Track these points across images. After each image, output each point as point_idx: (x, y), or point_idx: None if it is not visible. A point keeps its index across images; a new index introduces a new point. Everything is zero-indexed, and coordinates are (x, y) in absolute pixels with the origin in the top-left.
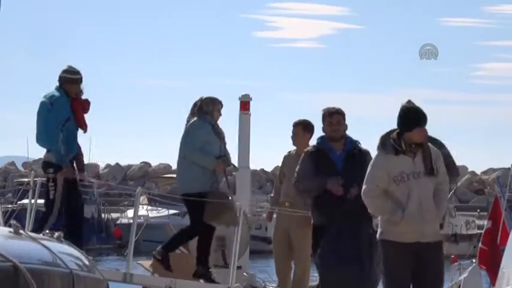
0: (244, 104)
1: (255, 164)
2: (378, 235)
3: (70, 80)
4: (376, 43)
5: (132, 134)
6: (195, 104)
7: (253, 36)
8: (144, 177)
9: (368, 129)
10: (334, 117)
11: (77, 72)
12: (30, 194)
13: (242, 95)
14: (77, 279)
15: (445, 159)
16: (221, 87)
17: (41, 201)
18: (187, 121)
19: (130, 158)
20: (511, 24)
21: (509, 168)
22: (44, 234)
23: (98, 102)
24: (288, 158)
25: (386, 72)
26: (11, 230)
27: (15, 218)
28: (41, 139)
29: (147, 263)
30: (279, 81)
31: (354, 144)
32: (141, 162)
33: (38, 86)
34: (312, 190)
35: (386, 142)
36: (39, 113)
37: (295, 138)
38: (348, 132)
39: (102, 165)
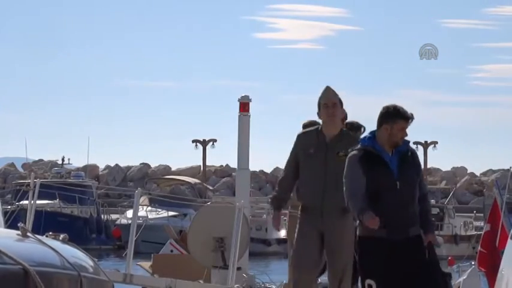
0: (244, 105)
1: (254, 165)
2: None
3: None
4: (375, 44)
5: (132, 135)
6: None
7: (253, 37)
8: (144, 179)
9: (367, 130)
10: (408, 124)
11: None
12: (30, 195)
13: (241, 96)
14: (85, 281)
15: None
16: (221, 88)
17: (40, 202)
18: None
19: (129, 159)
20: (510, 26)
21: (508, 169)
22: (47, 236)
23: (98, 103)
24: None
25: (386, 73)
26: (18, 232)
27: (15, 219)
28: None
29: (147, 263)
30: (279, 82)
31: (408, 146)
32: (140, 164)
33: (38, 88)
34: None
35: None
36: None
37: None
38: None
39: (101, 166)
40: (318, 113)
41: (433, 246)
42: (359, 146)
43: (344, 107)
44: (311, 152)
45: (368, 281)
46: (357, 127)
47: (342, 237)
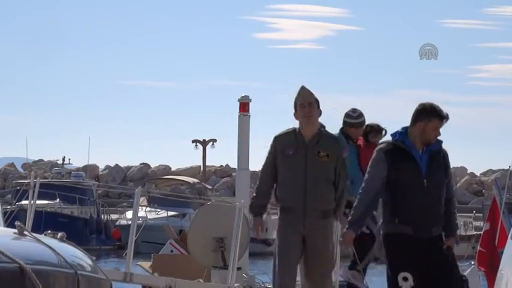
0: (244, 105)
1: (254, 165)
2: None
3: (349, 124)
4: (375, 44)
5: (132, 135)
6: None
7: (253, 37)
8: (144, 179)
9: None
10: (442, 123)
11: (357, 117)
12: (30, 194)
13: (241, 96)
14: (82, 280)
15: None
16: (221, 88)
17: (40, 202)
18: None
19: (129, 159)
20: (510, 26)
21: (508, 169)
22: (45, 234)
23: (98, 103)
24: None
25: (386, 73)
26: (16, 231)
27: (14, 218)
28: None
29: (147, 264)
30: (279, 82)
31: (440, 145)
32: (140, 164)
33: (38, 88)
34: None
35: None
36: None
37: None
38: None
39: (101, 166)
40: (294, 114)
41: (451, 250)
42: (390, 140)
43: (343, 107)
44: (290, 153)
45: (403, 274)
46: (377, 130)
47: (324, 239)
